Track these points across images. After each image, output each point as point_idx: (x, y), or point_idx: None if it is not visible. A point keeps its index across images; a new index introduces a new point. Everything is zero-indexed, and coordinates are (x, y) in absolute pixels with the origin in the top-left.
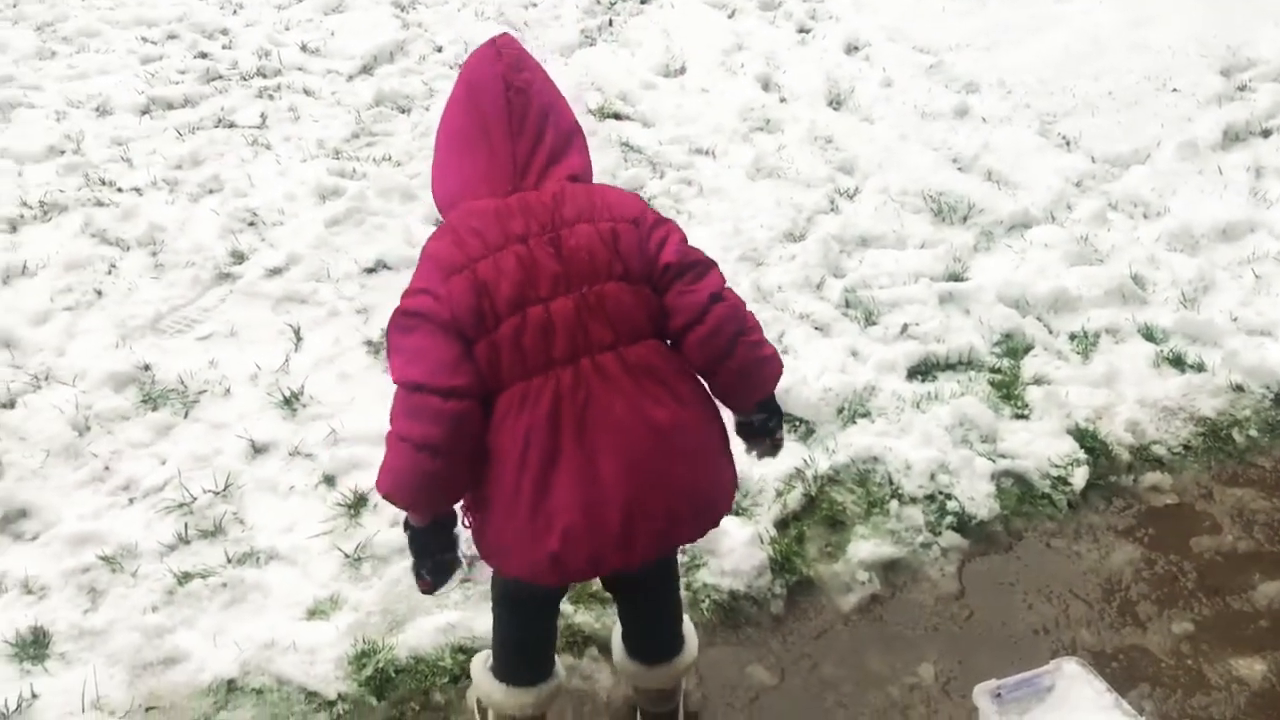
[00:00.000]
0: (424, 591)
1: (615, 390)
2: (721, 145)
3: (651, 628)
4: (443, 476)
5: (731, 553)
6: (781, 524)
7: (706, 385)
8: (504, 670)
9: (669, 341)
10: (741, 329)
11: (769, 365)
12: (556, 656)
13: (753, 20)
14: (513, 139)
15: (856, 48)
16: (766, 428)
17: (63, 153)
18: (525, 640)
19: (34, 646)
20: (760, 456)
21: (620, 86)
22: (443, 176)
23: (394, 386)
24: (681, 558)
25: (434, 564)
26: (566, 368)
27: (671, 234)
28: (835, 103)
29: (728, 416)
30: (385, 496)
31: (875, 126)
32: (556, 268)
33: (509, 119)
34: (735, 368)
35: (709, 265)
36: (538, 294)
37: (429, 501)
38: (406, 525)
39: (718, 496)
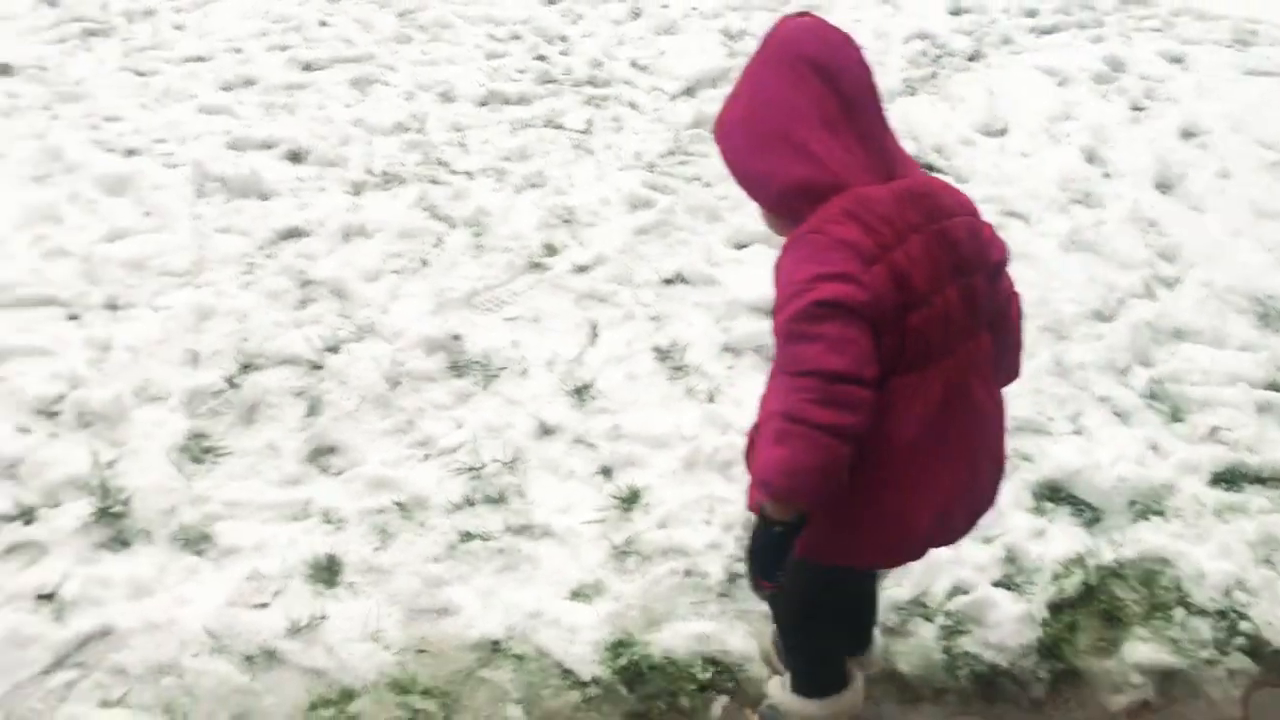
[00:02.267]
0: (765, 593)
1: (978, 377)
2: (1036, 212)
3: (874, 613)
4: (846, 462)
5: (999, 626)
6: (1055, 608)
7: None
8: (819, 685)
9: None
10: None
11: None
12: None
13: (1084, 91)
14: (882, 125)
15: (1193, 133)
16: None
17: (408, 130)
18: (835, 647)
19: (327, 572)
20: None
21: (937, 139)
22: (796, 151)
23: (789, 374)
24: (944, 621)
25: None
26: (949, 356)
27: (991, 228)
28: (1163, 186)
29: None
30: (782, 489)
31: (1205, 217)
32: (948, 257)
33: (876, 104)
34: (1016, 356)
35: None
36: (939, 284)
37: (826, 490)
38: (769, 525)
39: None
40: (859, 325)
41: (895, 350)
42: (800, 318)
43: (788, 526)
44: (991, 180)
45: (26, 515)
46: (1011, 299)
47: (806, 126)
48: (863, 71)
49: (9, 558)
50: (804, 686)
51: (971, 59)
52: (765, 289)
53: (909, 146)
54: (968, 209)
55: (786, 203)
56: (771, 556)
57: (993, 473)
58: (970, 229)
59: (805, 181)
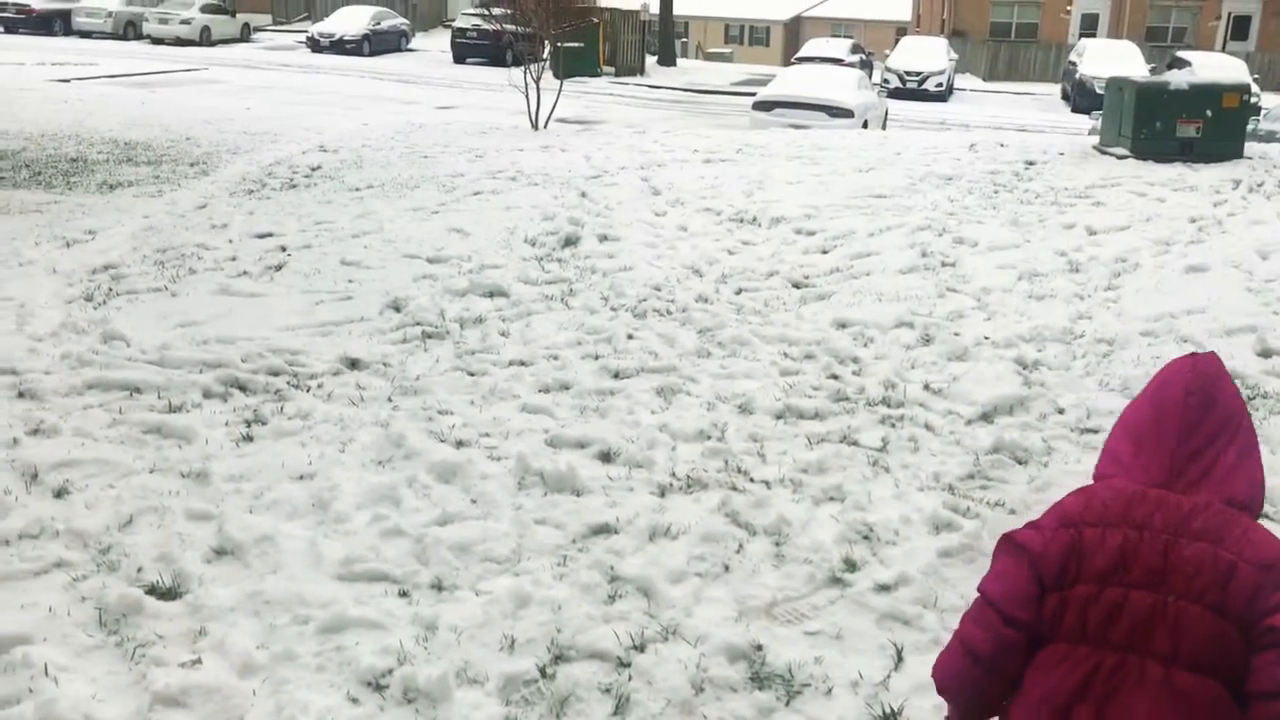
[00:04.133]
0: None
1: (1146, 698)
2: None
3: None
4: (979, 686)
5: None
6: None
7: None
8: None
9: (1236, 697)
10: None
11: None
12: None
13: None
14: (1180, 441)
15: None
16: None
17: (709, 438)
18: None
19: None
20: None
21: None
22: (1108, 454)
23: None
24: None
25: None
26: (1115, 654)
27: (1264, 578)
28: None
29: None
30: (935, 681)
31: None
32: (1156, 564)
33: (1182, 421)
34: None
35: None
36: (1123, 579)
37: (964, 702)
38: None
39: None
40: (1025, 569)
41: (1056, 613)
42: (997, 544)
43: None
44: None
45: None
46: (1262, 672)
47: (1121, 432)
48: (1182, 392)
49: None
50: None
51: None
52: None
53: None
54: (1242, 553)
55: None
56: None
57: None
58: (1218, 565)
59: (1099, 473)
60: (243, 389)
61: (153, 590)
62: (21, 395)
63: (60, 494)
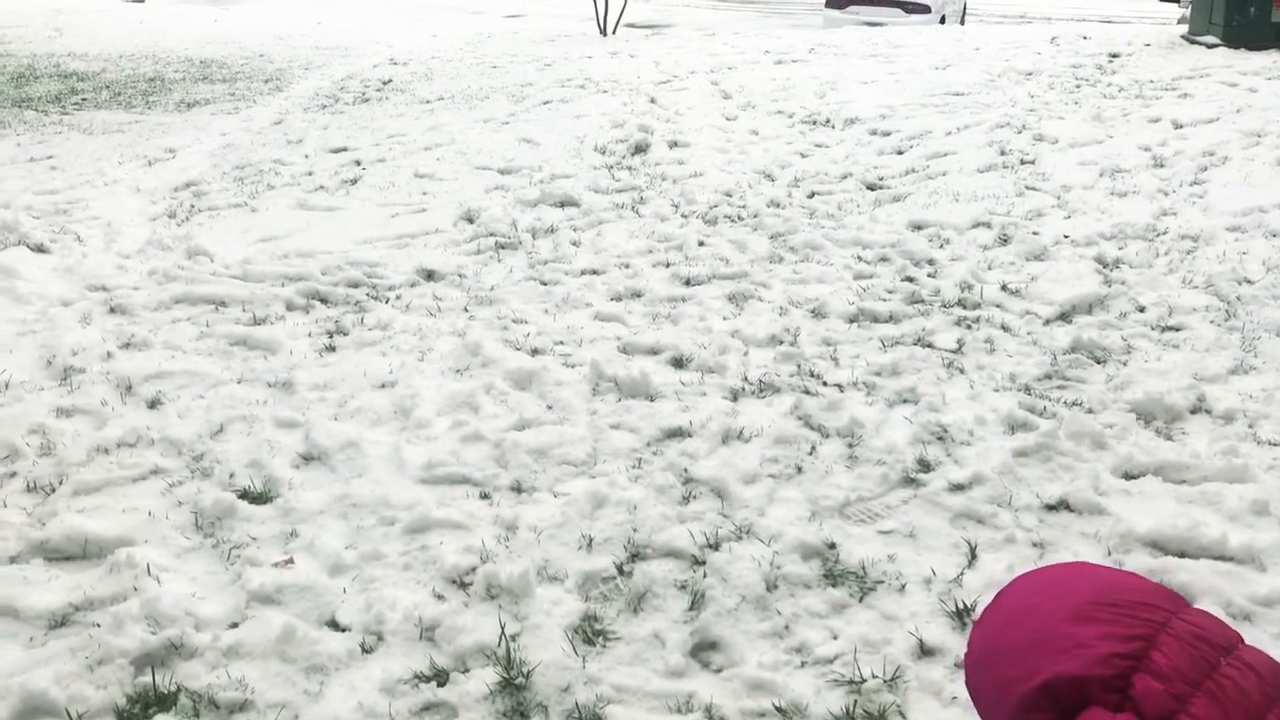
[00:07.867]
0: None
1: None
2: None
3: None
4: None
5: None
6: None
7: None
8: None
9: None
10: None
11: None
12: None
13: None
14: None
15: None
16: None
17: (781, 343)
18: None
19: None
20: None
21: None
22: None
23: None
24: None
25: None
26: None
27: None
28: None
29: None
30: None
31: None
32: None
33: None
34: None
35: None
36: None
37: None
38: None
39: None
40: None
41: None
42: None
43: None
44: None
45: (440, 677)
46: None
47: None
48: None
49: (423, 715)
50: None
51: None
52: (1159, 522)
53: None
54: None
55: None
56: None
57: None
58: None
59: None
60: (323, 301)
61: (245, 495)
62: (113, 311)
63: (154, 404)
